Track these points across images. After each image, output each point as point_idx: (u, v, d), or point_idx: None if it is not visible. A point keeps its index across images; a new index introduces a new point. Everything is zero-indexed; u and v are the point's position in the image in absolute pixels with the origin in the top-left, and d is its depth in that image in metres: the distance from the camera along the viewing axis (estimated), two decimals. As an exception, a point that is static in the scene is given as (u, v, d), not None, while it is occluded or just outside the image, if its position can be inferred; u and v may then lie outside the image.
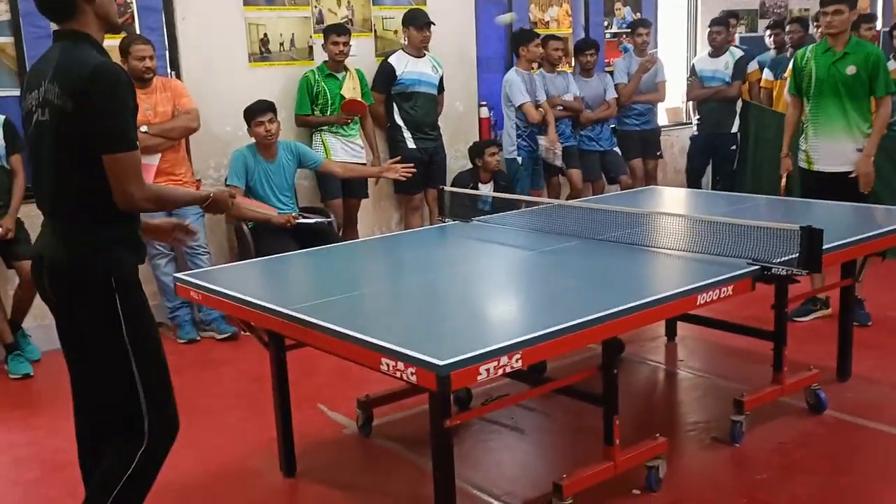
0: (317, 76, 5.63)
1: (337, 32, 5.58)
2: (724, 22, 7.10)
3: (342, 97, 5.66)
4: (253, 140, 5.17)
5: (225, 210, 2.76)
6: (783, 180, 5.00)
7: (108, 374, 2.46)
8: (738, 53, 7.08)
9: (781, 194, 4.98)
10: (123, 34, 4.84)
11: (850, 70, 4.51)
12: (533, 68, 6.42)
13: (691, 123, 7.44)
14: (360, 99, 5.73)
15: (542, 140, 6.36)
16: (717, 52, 7.05)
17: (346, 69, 5.69)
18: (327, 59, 5.65)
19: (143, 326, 2.47)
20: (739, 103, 7.08)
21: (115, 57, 4.93)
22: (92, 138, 2.28)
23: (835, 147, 4.62)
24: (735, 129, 7.11)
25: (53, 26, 2.47)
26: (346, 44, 5.59)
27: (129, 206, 2.35)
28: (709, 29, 7.07)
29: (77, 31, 2.39)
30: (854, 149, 4.58)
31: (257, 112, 5.09)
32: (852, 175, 4.56)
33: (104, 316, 2.39)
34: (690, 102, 7.49)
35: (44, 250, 2.44)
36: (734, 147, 7.14)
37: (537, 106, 6.30)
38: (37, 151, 2.43)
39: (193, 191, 2.64)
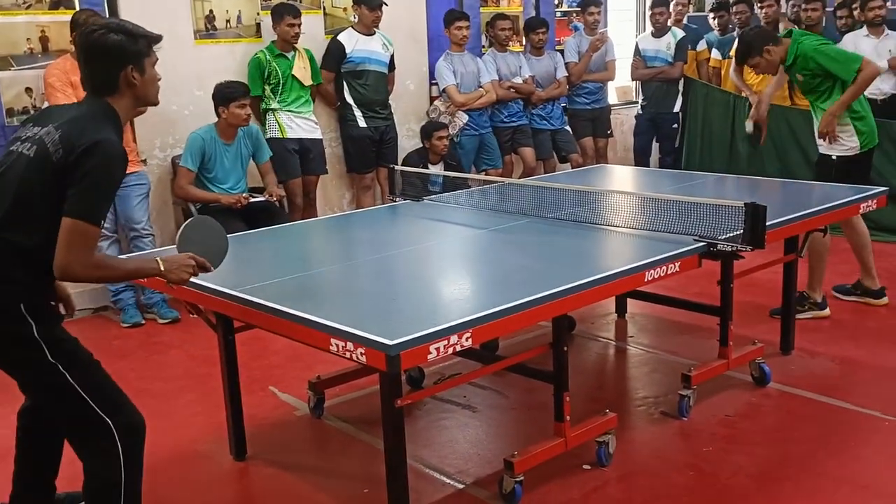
0: (268, 56, 5.53)
1: (292, 14, 5.48)
2: (666, 2, 7.19)
3: (293, 77, 5.58)
4: (213, 121, 5.06)
5: (182, 280, 2.56)
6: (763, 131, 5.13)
7: (54, 397, 2.44)
8: (680, 34, 7.19)
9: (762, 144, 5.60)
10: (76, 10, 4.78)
11: (800, 77, 4.49)
12: (461, 49, 6.39)
13: (638, 103, 7.53)
14: (309, 77, 5.68)
15: (438, 102, 6.39)
16: (659, 32, 7.15)
17: (294, 49, 5.61)
18: (276, 38, 5.55)
19: (62, 339, 2.44)
20: (681, 83, 7.18)
21: (56, 29, 4.84)
22: (67, 196, 2.28)
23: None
24: (677, 108, 7.23)
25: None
26: (300, 25, 5.51)
27: (62, 272, 2.31)
28: (651, 10, 7.14)
29: (109, 106, 2.43)
30: (843, 133, 4.51)
31: (240, 94, 4.98)
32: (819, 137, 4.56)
33: (21, 339, 2.35)
34: (635, 82, 7.57)
35: None
36: (675, 125, 7.27)
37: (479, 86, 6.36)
38: (2, 175, 2.39)
39: (144, 262, 2.57)
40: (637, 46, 7.32)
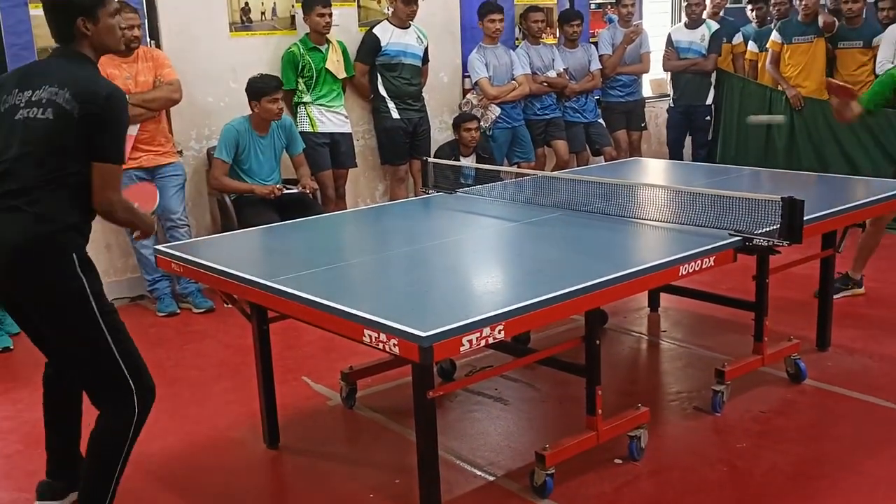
0: (301, 50, 5.57)
1: (322, 4, 5.50)
2: None
3: (326, 70, 5.61)
4: (248, 113, 5.11)
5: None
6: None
7: (89, 353, 2.57)
8: (715, 26, 7.12)
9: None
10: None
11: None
12: (494, 42, 6.37)
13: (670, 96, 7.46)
14: (343, 70, 5.70)
15: (470, 95, 6.37)
16: (693, 23, 7.07)
17: (328, 41, 5.63)
18: (309, 31, 5.58)
19: (106, 301, 2.60)
20: (714, 75, 7.11)
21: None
22: (91, 145, 2.50)
23: None
24: (710, 100, 7.15)
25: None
26: (331, 15, 5.53)
27: (105, 209, 2.58)
28: (687, 1, 7.06)
29: (78, 52, 2.62)
30: None
31: (273, 89, 5.02)
32: None
33: (74, 293, 2.51)
34: (667, 74, 7.50)
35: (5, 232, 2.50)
36: (708, 118, 7.19)
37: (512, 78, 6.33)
38: (23, 142, 2.53)
39: (151, 218, 2.86)
40: (670, 37, 7.25)
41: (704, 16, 7.23)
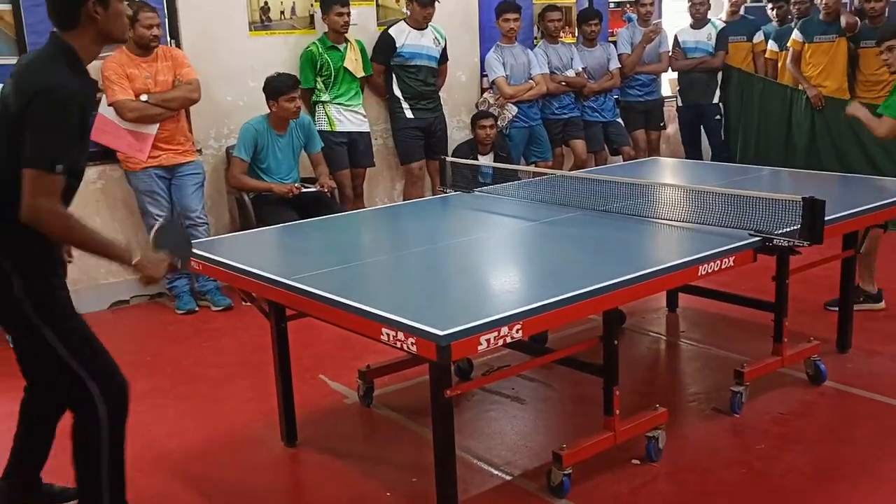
0: (320, 49, 5.58)
1: (340, 3, 5.51)
2: None
3: (345, 69, 5.62)
4: (266, 112, 5.14)
5: (153, 279, 2.56)
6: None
7: (40, 359, 2.52)
8: (720, 24, 7.11)
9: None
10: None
11: None
12: (511, 41, 6.35)
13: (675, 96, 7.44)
14: (361, 69, 5.72)
15: (487, 94, 6.36)
16: (698, 23, 7.06)
17: (346, 40, 5.64)
18: (327, 30, 5.60)
19: (58, 306, 2.47)
20: (720, 74, 7.08)
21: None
22: (22, 147, 2.29)
23: None
24: (717, 99, 7.12)
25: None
26: (349, 14, 5.54)
27: (27, 216, 2.29)
28: (691, 1, 7.03)
29: (64, 42, 2.42)
30: None
31: (289, 88, 5.03)
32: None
33: (10, 304, 2.42)
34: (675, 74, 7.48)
35: None
36: (718, 117, 7.15)
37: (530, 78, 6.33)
38: None
39: (119, 246, 2.54)
40: (676, 38, 7.21)
41: (723, 15, 7.21)
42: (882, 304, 4.55)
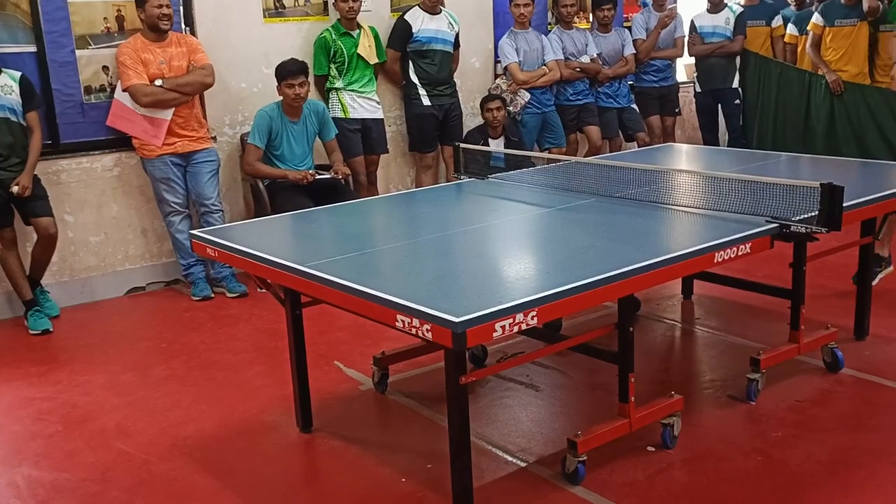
0: (333, 35, 5.57)
1: None
2: None
3: (358, 55, 5.61)
4: (280, 98, 5.14)
5: None
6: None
7: None
8: (738, 9, 7.05)
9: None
10: None
11: None
12: (524, 27, 6.31)
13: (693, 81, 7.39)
14: (374, 56, 5.70)
15: (500, 80, 6.34)
16: (715, 8, 7.00)
17: (359, 27, 5.63)
18: (340, 17, 5.58)
19: None
20: (738, 59, 7.03)
21: (132, 8, 4.94)
22: None
23: None
24: (736, 83, 7.05)
25: None
26: (358, 1, 5.52)
27: None
28: None
29: None
30: None
31: (290, 73, 5.03)
32: None
33: None
34: (693, 59, 7.42)
35: None
36: (738, 102, 7.09)
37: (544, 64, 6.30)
38: None
39: None
40: (693, 24, 7.16)
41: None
42: (892, 269, 4.71)
